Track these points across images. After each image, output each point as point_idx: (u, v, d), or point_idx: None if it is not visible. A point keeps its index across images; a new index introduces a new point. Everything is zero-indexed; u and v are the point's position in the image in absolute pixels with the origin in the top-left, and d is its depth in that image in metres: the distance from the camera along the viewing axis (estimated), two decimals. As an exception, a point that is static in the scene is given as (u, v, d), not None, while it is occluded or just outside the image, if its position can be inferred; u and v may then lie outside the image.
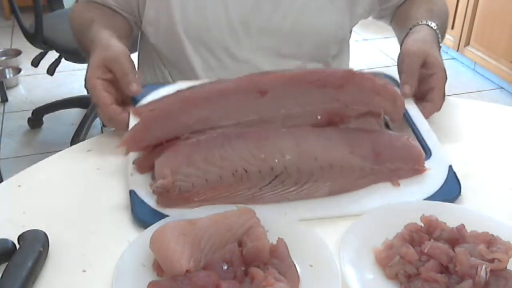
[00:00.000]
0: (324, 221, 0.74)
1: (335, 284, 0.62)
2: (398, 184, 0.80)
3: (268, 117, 0.83)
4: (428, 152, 0.85)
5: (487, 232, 0.66)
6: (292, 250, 0.65)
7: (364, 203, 0.77)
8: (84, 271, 0.66)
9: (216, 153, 0.76)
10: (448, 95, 0.98)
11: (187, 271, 0.60)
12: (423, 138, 0.88)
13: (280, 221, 0.71)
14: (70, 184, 0.82)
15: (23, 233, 0.68)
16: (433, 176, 0.81)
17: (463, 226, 0.67)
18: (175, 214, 0.73)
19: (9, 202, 0.79)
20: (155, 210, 0.74)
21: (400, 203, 0.77)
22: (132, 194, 0.76)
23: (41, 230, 0.69)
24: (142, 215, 0.74)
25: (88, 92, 0.94)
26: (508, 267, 0.62)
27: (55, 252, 0.68)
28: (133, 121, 0.85)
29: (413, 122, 0.90)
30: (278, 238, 0.66)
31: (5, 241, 0.67)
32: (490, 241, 0.65)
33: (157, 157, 0.77)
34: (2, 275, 0.62)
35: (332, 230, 0.72)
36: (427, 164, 0.82)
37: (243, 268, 0.62)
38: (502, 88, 3.12)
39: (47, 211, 0.76)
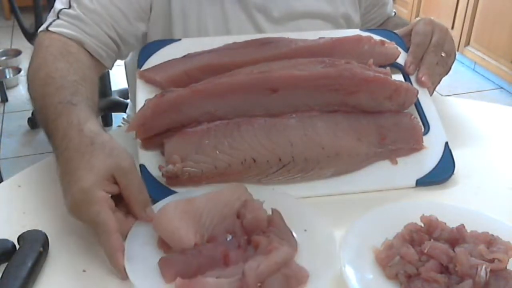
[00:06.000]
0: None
1: (330, 243, 0.66)
2: (396, 162, 0.83)
3: (275, 113, 0.82)
4: (426, 126, 0.87)
5: (487, 232, 0.66)
6: (285, 219, 0.69)
7: (364, 182, 0.81)
8: (84, 271, 0.66)
9: (225, 142, 0.77)
10: (448, 95, 0.99)
11: (195, 244, 0.64)
12: (422, 110, 0.89)
13: (269, 194, 0.74)
14: (70, 184, 0.82)
15: (23, 233, 0.68)
16: (430, 153, 0.84)
17: (463, 226, 0.67)
18: (181, 191, 0.77)
19: (9, 202, 0.79)
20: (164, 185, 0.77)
21: (400, 203, 0.78)
22: (142, 168, 0.78)
23: (41, 230, 0.69)
24: (152, 191, 0.73)
25: (74, 207, 0.67)
26: (508, 267, 0.62)
27: (55, 252, 0.68)
28: (140, 84, 0.86)
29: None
30: (272, 208, 0.70)
31: (5, 241, 0.67)
32: (490, 241, 0.65)
33: (164, 138, 0.78)
34: (2, 275, 0.62)
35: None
36: (424, 139, 0.85)
37: (245, 238, 0.67)
38: (502, 88, 3.12)
39: (47, 211, 0.76)
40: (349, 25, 1.13)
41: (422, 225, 0.68)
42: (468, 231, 0.67)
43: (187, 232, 0.65)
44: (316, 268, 0.63)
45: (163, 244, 0.66)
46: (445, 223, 0.67)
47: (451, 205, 0.76)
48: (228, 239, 0.66)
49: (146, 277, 0.62)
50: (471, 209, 0.75)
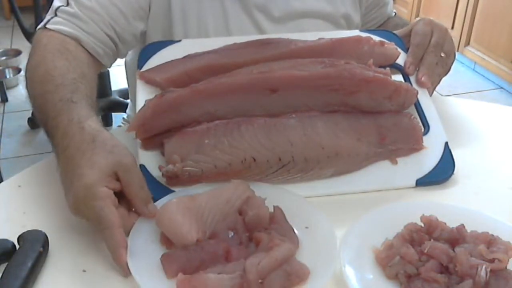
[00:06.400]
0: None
1: (331, 241, 0.67)
2: (396, 162, 0.83)
3: (275, 113, 0.83)
4: (426, 126, 0.88)
5: (487, 232, 0.66)
6: (287, 216, 0.70)
7: (364, 182, 0.81)
8: (84, 271, 0.66)
9: (225, 141, 0.77)
10: (448, 95, 0.99)
11: (197, 240, 0.65)
12: (422, 110, 0.90)
13: (271, 191, 0.75)
14: (70, 184, 0.82)
15: (23, 233, 0.68)
16: (430, 153, 0.85)
17: (463, 226, 0.67)
18: (180, 190, 0.77)
19: (9, 202, 0.79)
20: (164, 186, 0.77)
21: (400, 203, 0.78)
22: (142, 168, 0.78)
23: (41, 230, 0.69)
24: (152, 191, 0.73)
25: (77, 204, 0.67)
26: (508, 267, 0.62)
27: (55, 252, 0.68)
28: (140, 85, 0.86)
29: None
30: (274, 206, 0.71)
31: (5, 241, 0.67)
32: (490, 241, 0.65)
33: (164, 138, 0.78)
34: (2, 275, 0.62)
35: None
36: (424, 139, 0.85)
37: (247, 235, 0.68)
38: (502, 88, 3.12)
39: (47, 211, 0.76)
40: (350, 25, 1.13)
41: (422, 225, 0.68)
42: (468, 231, 0.67)
43: (190, 228, 0.66)
44: (317, 265, 0.64)
45: (166, 240, 0.67)
46: (445, 223, 0.67)
47: (451, 205, 0.76)
48: (230, 235, 0.67)
49: (148, 272, 0.63)
50: (471, 209, 0.75)
